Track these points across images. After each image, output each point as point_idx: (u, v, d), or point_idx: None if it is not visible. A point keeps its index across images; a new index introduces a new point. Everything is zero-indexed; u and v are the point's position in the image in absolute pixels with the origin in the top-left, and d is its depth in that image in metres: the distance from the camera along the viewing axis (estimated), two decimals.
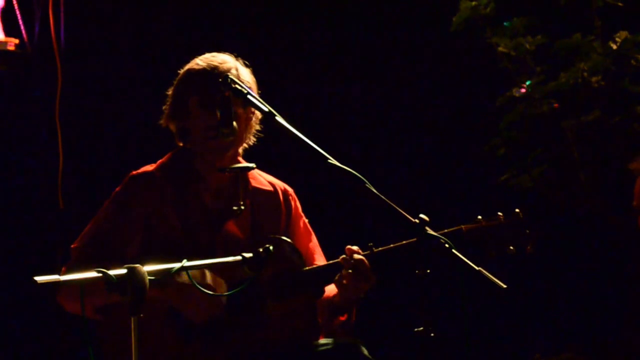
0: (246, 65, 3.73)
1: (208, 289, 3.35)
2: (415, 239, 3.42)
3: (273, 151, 3.87)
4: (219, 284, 3.49)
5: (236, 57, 3.73)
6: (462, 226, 3.53)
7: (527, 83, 5.12)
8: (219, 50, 3.77)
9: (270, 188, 3.82)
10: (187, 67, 3.74)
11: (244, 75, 3.66)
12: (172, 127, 3.75)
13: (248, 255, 3.01)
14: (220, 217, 3.67)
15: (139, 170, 3.72)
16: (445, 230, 3.45)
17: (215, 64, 3.67)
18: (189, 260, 2.92)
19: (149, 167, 3.73)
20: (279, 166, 3.96)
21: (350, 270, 3.52)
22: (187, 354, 3.50)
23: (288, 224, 3.81)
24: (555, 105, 5.08)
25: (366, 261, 3.52)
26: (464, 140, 5.92)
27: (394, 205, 3.04)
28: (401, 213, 3.03)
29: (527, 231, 3.53)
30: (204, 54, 3.76)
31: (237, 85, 3.28)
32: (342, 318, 3.63)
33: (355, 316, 3.67)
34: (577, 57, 5.07)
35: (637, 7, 5.15)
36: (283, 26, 5.92)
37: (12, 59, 5.32)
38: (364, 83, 6.04)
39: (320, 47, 5.97)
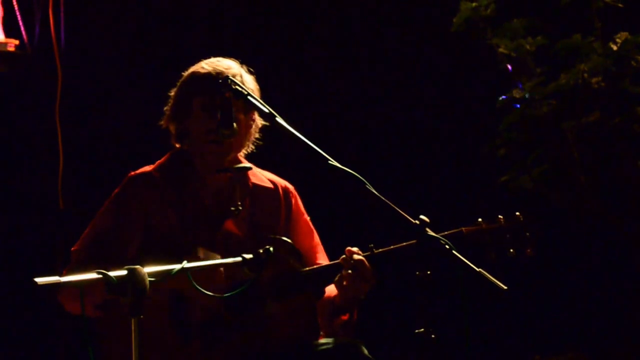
0: (250, 72, 3.75)
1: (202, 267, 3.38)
2: (415, 240, 3.42)
3: (273, 152, 3.87)
4: (213, 258, 3.49)
5: (240, 63, 3.74)
6: (463, 228, 3.54)
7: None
8: (219, 52, 3.78)
9: (270, 185, 3.83)
10: (191, 69, 3.75)
11: (247, 82, 3.67)
12: (172, 128, 3.76)
13: (248, 256, 3.01)
14: (219, 216, 3.68)
15: (138, 171, 3.73)
16: (446, 233, 3.45)
17: (221, 69, 3.68)
18: (189, 261, 2.92)
19: (148, 168, 3.74)
20: (279, 167, 3.96)
21: (350, 271, 3.53)
22: (187, 353, 3.50)
23: (288, 221, 3.82)
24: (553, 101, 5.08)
25: (366, 262, 3.53)
26: (464, 141, 5.92)
27: (394, 207, 3.04)
28: (401, 214, 3.03)
29: (527, 234, 3.53)
30: (204, 54, 3.77)
31: (237, 87, 3.29)
32: (344, 317, 3.63)
33: (356, 316, 3.67)
34: (578, 58, 5.06)
35: (638, 8, 5.14)
36: (283, 27, 5.91)
37: (12, 60, 5.32)
38: (364, 84, 6.03)
39: (321, 47, 5.97)
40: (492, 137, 5.29)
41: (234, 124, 3.41)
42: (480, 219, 3.56)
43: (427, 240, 3.01)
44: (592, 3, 5.08)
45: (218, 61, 3.73)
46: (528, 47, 5.13)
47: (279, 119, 3.18)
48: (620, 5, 5.06)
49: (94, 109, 5.56)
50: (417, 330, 3.12)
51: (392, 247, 3.56)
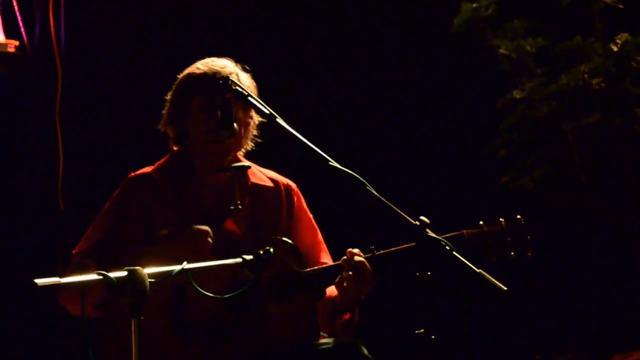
0: (245, 70, 3.74)
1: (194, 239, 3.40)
2: (416, 242, 3.42)
3: (273, 153, 3.87)
4: (204, 231, 3.50)
5: (235, 62, 3.74)
6: (464, 231, 3.54)
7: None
8: (219, 52, 3.78)
9: (270, 184, 3.82)
10: (186, 71, 3.75)
11: (244, 80, 3.67)
12: (170, 131, 3.75)
13: (248, 257, 3.01)
14: (219, 216, 3.68)
15: (137, 172, 3.73)
16: (447, 235, 3.45)
17: (217, 68, 3.68)
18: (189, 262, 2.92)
19: (147, 169, 3.74)
20: (279, 168, 3.96)
21: (351, 273, 3.53)
22: (187, 354, 3.50)
23: (290, 219, 3.81)
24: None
25: (367, 263, 3.53)
26: (465, 142, 5.92)
27: (395, 208, 3.04)
28: (402, 215, 3.03)
29: (528, 237, 3.53)
30: (205, 55, 3.77)
31: (238, 88, 3.29)
32: (345, 317, 3.63)
33: (357, 316, 3.67)
34: (578, 59, 5.06)
35: (638, 9, 5.14)
36: (283, 27, 5.91)
37: (12, 61, 5.31)
38: (365, 84, 6.03)
39: (321, 48, 5.97)
40: (492, 138, 5.29)
41: (234, 125, 3.41)
42: (481, 222, 3.56)
43: (428, 241, 3.01)
44: (593, 4, 5.08)
45: (212, 61, 3.73)
46: (528, 48, 5.13)
47: (279, 120, 3.18)
48: (620, 6, 5.07)
49: (94, 110, 5.55)
50: (417, 331, 3.12)
51: (392, 248, 3.56)
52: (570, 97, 5.07)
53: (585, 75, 5.00)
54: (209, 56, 3.76)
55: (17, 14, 5.35)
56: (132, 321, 2.71)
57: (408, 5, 6.00)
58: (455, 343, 3.81)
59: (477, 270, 2.92)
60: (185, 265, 2.89)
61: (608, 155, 5.11)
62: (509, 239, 3.53)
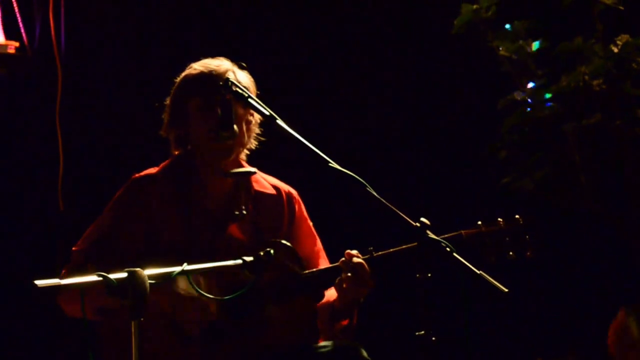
0: (242, 67, 3.73)
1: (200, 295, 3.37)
2: (415, 243, 3.43)
3: (273, 154, 3.87)
4: (211, 286, 3.49)
5: (232, 61, 3.74)
6: (462, 231, 3.54)
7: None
8: (220, 53, 3.78)
9: (273, 191, 3.82)
10: (183, 74, 3.75)
11: (241, 78, 3.66)
12: (172, 135, 3.75)
13: (249, 258, 3.01)
14: (223, 220, 3.67)
15: (142, 173, 3.73)
16: (445, 236, 3.45)
17: (212, 67, 3.68)
18: (190, 263, 2.92)
19: (152, 170, 3.74)
20: (279, 169, 3.96)
21: (349, 274, 3.53)
22: (187, 356, 3.50)
23: (291, 227, 3.81)
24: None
25: (365, 265, 3.52)
26: (465, 144, 5.92)
27: (395, 209, 3.03)
28: (402, 217, 3.03)
29: (527, 237, 3.53)
30: (204, 57, 3.77)
31: (237, 89, 3.29)
32: (344, 322, 3.63)
33: (356, 319, 3.67)
34: (578, 60, 5.05)
35: (638, 11, 5.14)
36: (283, 28, 5.91)
37: (12, 62, 5.31)
38: (365, 86, 6.03)
39: (321, 49, 5.97)
40: (493, 139, 5.29)
41: (234, 126, 3.41)
42: (479, 222, 3.56)
43: (428, 242, 3.00)
44: (593, 5, 5.07)
45: (208, 61, 3.73)
46: (529, 49, 5.12)
47: (279, 121, 3.18)
48: (621, 7, 5.06)
49: (94, 111, 5.55)
50: (417, 333, 3.12)
51: (391, 250, 3.56)
52: (571, 99, 5.06)
53: (586, 77, 5.00)
54: (210, 56, 3.76)
55: (17, 15, 5.34)
56: (132, 323, 2.71)
57: (408, 6, 6.00)
58: (455, 344, 3.81)
59: (478, 272, 2.92)
60: (185, 266, 2.89)
61: (609, 156, 5.11)
62: (507, 238, 3.53)
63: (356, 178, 3.03)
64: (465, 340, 3.98)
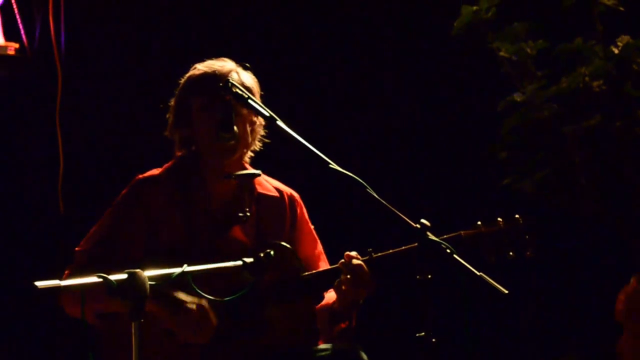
0: (246, 68, 3.73)
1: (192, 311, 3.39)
2: (415, 244, 3.43)
3: (273, 155, 3.87)
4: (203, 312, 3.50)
5: (236, 62, 3.74)
6: (462, 232, 3.54)
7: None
8: (221, 53, 3.78)
9: (276, 194, 3.82)
10: (187, 74, 3.75)
11: (244, 78, 3.66)
12: (177, 136, 3.75)
13: (249, 260, 3.01)
14: (225, 222, 3.68)
15: (145, 174, 3.73)
16: (444, 236, 3.45)
17: (216, 67, 3.69)
18: (190, 264, 2.92)
19: (155, 171, 3.74)
20: (279, 170, 3.96)
21: (349, 276, 3.52)
22: (187, 357, 3.49)
23: (293, 230, 3.81)
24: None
25: (365, 266, 3.52)
26: (465, 145, 5.92)
27: (395, 210, 3.03)
28: (402, 218, 3.03)
29: (527, 237, 3.53)
30: (205, 57, 3.77)
31: (237, 90, 3.29)
32: (343, 325, 3.63)
33: (356, 321, 3.66)
34: (579, 61, 5.05)
35: (639, 11, 5.14)
36: (283, 28, 5.91)
37: (12, 64, 5.31)
38: (364, 87, 6.03)
39: (321, 50, 5.96)
40: (493, 141, 5.29)
41: (235, 127, 3.41)
42: (479, 222, 3.56)
43: (428, 244, 3.00)
44: (594, 6, 5.06)
45: (211, 62, 3.73)
46: (529, 50, 5.12)
47: (280, 122, 3.18)
48: (621, 8, 5.06)
49: (94, 112, 5.55)
50: (418, 334, 3.12)
51: (390, 251, 3.56)
52: (571, 100, 5.05)
53: (586, 78, 4.99)
54: (210, 56, 3.76)
55: (17, 16, 5.34)
56: (132, 324, 2.71)
57: (408, 8, 6.00)
58: (456, 346, 3.81)
59: (478, 274, 2.92)
60: (186, 267, 2.89)
61: (609, 157, 5.10)
62: (507, 239, 3.53)
63: (356, 179, 3.03)
64: (465, 341, 3.98)
